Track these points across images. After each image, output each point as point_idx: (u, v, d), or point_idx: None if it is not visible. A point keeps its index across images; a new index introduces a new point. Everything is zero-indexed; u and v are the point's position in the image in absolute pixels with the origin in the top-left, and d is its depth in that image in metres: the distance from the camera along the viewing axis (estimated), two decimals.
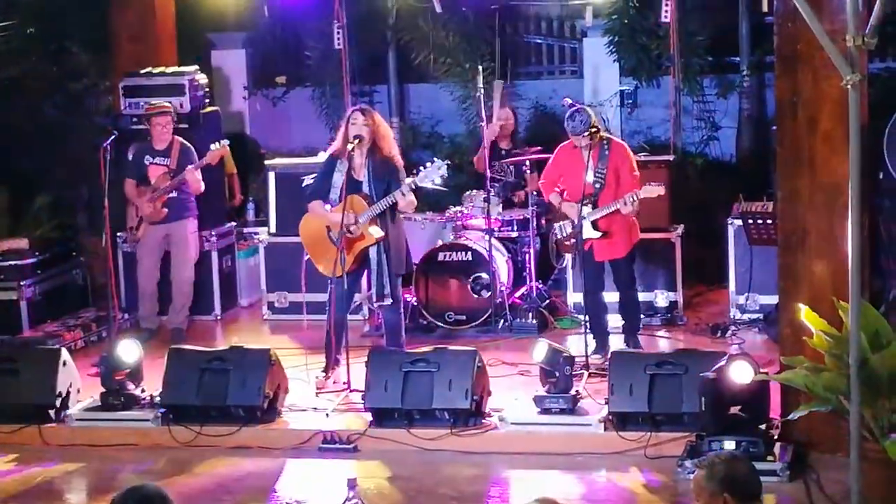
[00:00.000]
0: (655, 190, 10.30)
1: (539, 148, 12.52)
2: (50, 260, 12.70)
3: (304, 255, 10.43)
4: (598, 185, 10.40)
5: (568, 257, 11.63)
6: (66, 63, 13.53)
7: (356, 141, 9.92)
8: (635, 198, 10.24)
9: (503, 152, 12.60)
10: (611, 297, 10.99)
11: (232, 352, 9.78)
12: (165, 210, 12.00)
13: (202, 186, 12.03)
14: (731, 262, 11.82)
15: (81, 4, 13.32)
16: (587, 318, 10.68)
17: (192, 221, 12.24)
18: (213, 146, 11.99)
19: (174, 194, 12.01)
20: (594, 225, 10.39)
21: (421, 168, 10.07)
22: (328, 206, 10.07)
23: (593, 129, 10.31)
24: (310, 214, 10.27)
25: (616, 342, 10.82)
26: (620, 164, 10.43)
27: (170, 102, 12.36)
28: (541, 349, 9.22)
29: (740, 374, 8.31)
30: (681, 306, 11.93)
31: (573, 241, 10.53)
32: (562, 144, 10.75)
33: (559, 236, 10.74)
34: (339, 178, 10.00)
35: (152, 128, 12.06)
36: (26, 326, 12.16)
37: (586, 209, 10.36)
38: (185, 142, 12.12)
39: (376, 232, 9.99)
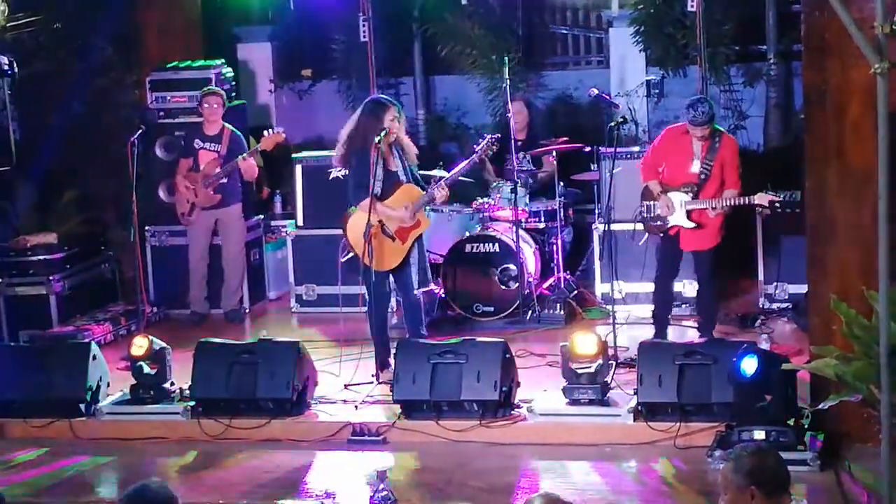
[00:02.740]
0: (770, 197, 10.32)
1: (566, 138, 12.51)
2: (79, 254, 12.76)
3: (342, 252, 10.39)
4: (703, 176, 10.33)
5: (645, 237, 11.34)
6: (92, 58, 13.56)
7: (382, 134, 9.87)
8: (731, 202, 10.24)
9: (518, 143, 12.53)
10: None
11: (260, 345, 9.82)
12: (219, 196, 12.22)
13: (256, 172, 12.34)
14: (760, 252, 11.78)
15: None
16: (653, 304, 10.78)
17: (239, 206, 12.53)
18: (266, 132, 12.20)
19: (224, 180, 12.18)
20: (688, 214, 10.35)
21: (475, 144, 10.39)
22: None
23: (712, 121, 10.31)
24: (361, 213, 9.97)
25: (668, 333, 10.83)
26: (729, 159, 10.35)
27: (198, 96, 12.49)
28: (591, 342, 9.18)
29: (747, 368, 8.36)
30: None
31: (660, 222, 10.48)
32: (669, 128, 10.71)
33: (646, 215, 10.61)
34: (379, 171, 9.93)
35: (203, 109, 12.32)
36: (56, 321, 12.21)
37: (685, 196, 10.33)
38: (235, 130, 12.36)
39: (428, 217, 10.20)
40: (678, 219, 10.36)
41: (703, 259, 10.59)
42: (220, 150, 12.30)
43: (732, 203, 10.27)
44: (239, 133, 12.42)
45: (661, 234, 10.56)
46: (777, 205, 10.77)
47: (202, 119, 12.43)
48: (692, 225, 10.34)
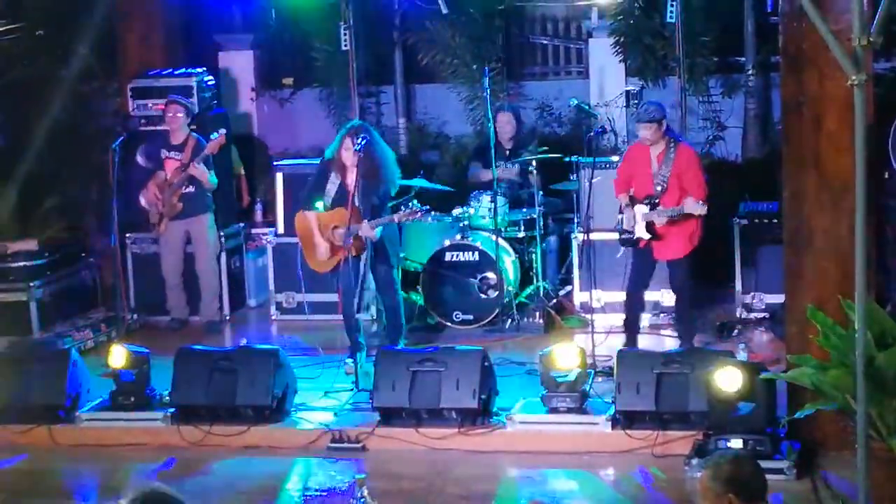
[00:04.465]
0: (698, 209, 10.24)
1: (546, 148, 12.55)
2: (59, 261, 12.76)
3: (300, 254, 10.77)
4: (659, 188, 10.40)
5: (621, 250, 11.43)
6: (74, 65, 13.57)
7: (348, 162, 10.38)
8: (671, 213, 10.28)
9: (507, 153, 12.62)
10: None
11: (240, 352, 9.85)
12: (181, 204, 12.25)
13: (211, 179, 12.24)
14: (737, 262, 11.84)
15: (89, 6, 13.36)
16: (625, 312, 10.79)
17: (208, 216, 12.47)
18: (212, 136, 12.17)
19: (191, 189, 12.26)
20: (648, 227, 10.40)
21: (402, 208, 10.55)
22: (320, 206, 10.59)
23: (657, 121, 10.36)
24: (301, 213, 10.75)
25: (642, 342, 10.87)
26: (685, 168, 10.40)
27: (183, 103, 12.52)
28: (573, 355, 9.21)
29: (729, 381, 8.39)
30: None
31: (628, 235, 10.53)
32: (631, 145, 10.81)
33: (619, 228, 10.66)
34: (331, 189, 10.51)
35: (166, 118, 12.36)
36: (36, 327, 12.22)
37: (645, 209, 10.39)
38: (200, 138, 12.30)
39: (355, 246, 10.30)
40: (640, 231, 10.45)
41: (676, 268, 10.65)
42: (182, 159, 12.29)
43: (672, 213, 10.30)
44: (204, 141, 12.36)
45: (633, 247, 10.62)
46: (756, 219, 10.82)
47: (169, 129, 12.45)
48: (649, 236, 10.42)
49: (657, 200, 10.39)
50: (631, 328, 10.83)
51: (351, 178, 10.39)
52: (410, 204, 10.90)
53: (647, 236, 10.43)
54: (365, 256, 10.38)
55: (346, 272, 10.25)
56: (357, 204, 10.27)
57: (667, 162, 10.42)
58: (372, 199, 10.39)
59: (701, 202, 10.22)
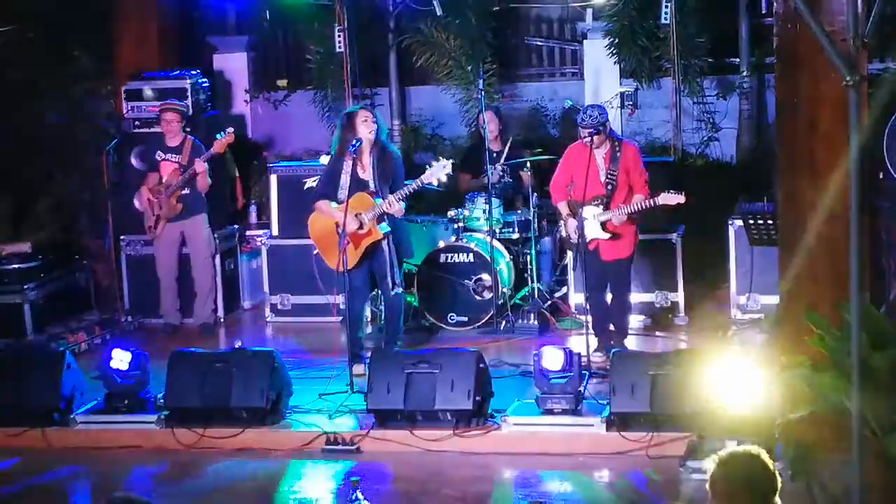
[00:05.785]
0: (675, 198, 10.29)
1: (539, 150, 12.55)
2: (53, 263, 12.75)
3: (314, 253, 10.62)
4: (609, 187, 10.41)
5: (570, 255, 11.61)
6: (68, 67, 13.57)
7: (371, 135, 10.29)
8: (638, 206, 10.27)
9: (494, 154, 12.55)
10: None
11: (235, 354, 9.82)
12: (180, 205, 12.23)
13: (208, 181, 12.19)
14: (732, 263, 11.84)
15: (84, 9, 13.35)
16: (590, 317, 10.72)
17: (203, 217, 12.49)
18: (218, 136, 12.16)
19: (187, 191, 12.24)
20: (603, 226, 10.40)
21: (427, 166, 10.31)
22: (334, 205, 10.36)
23: (601, 128, 10.33)
24: (317, 212, 10.51)
25: (634, 344, 10.87)
26: (631, 166, 10.46)
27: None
28: (555, 357, 9.21)
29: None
30: (682, 307, 11.96)
31: (580, 239, 10.54)
32: (571, 145, 10.78)
33: (564, 235, 10.78)
34: (345, 179, 10.26)
35: (162, 124, 12.34)
36: (30, 329, 12.21)
37: (597, 209, 10.38)
38: (196, 140, 12.30)
39: (384, 228, 10.27)
40: (594, 232, 10.44)
41: (621, 269, 10.68)
42: (180, 161, 12.29)
43: (640, 207, 10.33)
44: (199, 143, 12.36)
45: (582, 251, 10.61)
46: (751, 220, 10.85)
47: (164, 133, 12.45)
48: (608, 235, 10.44)
49: (608, 200, 10.40)
50: (600, 331, 10.80)
51: (367, 159, 10.36)
52: (432, 164, 10.49)
53: (604, 236, 10.43)
54: (388, 242, 10.34)
55: (357, 272, 10.31)
56: (374, 188, 10.29)
57: (614, 161, 10.44)
58: (387, 181, 10.35)
59: (671, 192, 10.29)
